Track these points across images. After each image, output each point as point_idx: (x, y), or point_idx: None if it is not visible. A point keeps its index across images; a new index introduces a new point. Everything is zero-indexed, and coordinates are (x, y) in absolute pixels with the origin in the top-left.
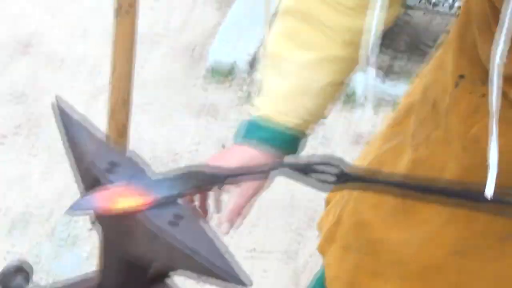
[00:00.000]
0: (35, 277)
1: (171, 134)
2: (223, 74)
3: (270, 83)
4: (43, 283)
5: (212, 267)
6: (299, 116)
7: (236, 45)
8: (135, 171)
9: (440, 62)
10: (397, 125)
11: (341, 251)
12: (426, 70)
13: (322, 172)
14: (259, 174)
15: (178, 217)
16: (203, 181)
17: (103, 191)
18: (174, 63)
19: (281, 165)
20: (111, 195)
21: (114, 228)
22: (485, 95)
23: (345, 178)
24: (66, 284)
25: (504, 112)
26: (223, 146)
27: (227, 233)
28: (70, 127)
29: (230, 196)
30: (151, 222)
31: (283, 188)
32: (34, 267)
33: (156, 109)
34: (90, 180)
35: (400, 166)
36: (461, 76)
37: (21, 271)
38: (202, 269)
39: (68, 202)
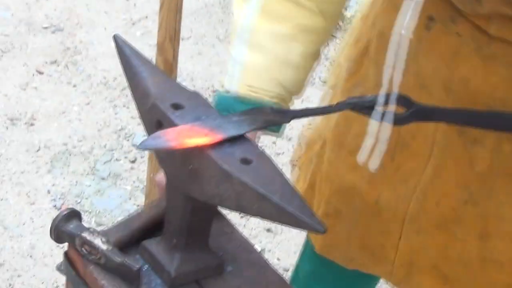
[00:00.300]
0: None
1: (210, 68)
2: None
3: (246, 57)
4: (87, 220)
5: (285, 210)
6: (275, 90)
7: None
8: (199, 111)
9: (394, 5)
10: (353, 76)
11: (327, 219)
12: (370, 13)
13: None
14: (323, 113)
15: (249, 155)
16: (270, 120)
17: (170, 130)
18: None
19: (346, 104)
20: (178, 135)
21: (180, 171)
22: (460, 35)
23: (420, 112)
24: (129, 217)
25: (485, 48)
26: None
27: None
28: (131, 67)
29: None
30: (222, 161)
31: None
32: (77, 204)
33: (193, 42)
34: (154, 121)
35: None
36: (431, 18)
37: (74, 216)
38: (274, 212)
39: (108, 139)
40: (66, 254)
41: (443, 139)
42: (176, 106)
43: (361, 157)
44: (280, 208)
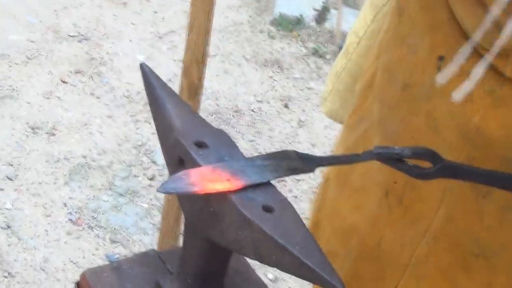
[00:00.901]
0: (94, 231)
1: (235, 87)
2: (288, 27)
3: None
4: (101, 236)
5: (305, 264)
6: None
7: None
8: (223, 151)
9: (400, 39)
10: (357, 112)
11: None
12: (374, 42)
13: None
14: (348, 162)
15: (271, 203)
16: (294, 167)
17: (192, 172)
18: (240, 14)
19: (373, 154)
20: (200, 178)
21: (200, 213)
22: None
23: (446, 169)
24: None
25: (501, 91)
26: (286, 106)
27: None
28: (156, 98)
29: None
30: (243, 207)
31: None
32: (93, 219)
33: (220, 60)
34: (176, 157)
35: None
36: (441, 58)
37: None
38: (293, 265)
39: (127, 155)
40: (77, 284)
41: (455, 186)
42: (200, 144)
43: None
44: (300, 262)
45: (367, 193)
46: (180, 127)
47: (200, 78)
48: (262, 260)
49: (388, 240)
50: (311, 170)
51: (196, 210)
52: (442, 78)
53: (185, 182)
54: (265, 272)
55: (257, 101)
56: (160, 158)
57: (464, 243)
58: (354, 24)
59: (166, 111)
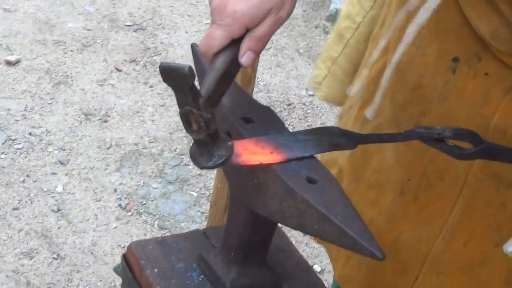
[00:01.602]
0: (143, 217)
1: (287, 81)
2: None
3: None
4: (150, 222)
5: (345, 233)
6: None
7: None
8: (269, 127)
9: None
10: (366, 106)
11: (345, 250)
12: (378, 32)
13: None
14: (390, 140)
15: (314, 175)
16: (335, 143)
17: (236, 144)
18: (295, 9)
19: (414, 134)
20: (244, 150)
21: (245, 184)
22: (488, 73)
23: (487, 150)
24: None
25: None
26: None
27: (251, 63)
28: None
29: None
30: (288, 178)
31: None
32: (142, 206)
33: (273, 54)
34: (224, 131)
35: (389, 151)
36: (455, 59)
37: None
38: (334, 234)
39: (179, 143)
40: (124, 256)
41: (475, 181)
42: (247, 120)
43: None
44: (340, 230)
45: (382, 190)
46: (229, 103)
47: (254, 68)
48: (304, 230)
49: (405, 236)
50: (353, 146)
51: (241, 182)
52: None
53: (222, 158)
54: (312, 264)
55: (309, 95)
56: None
57: (482, 235)
58: (345, 7)
59: None
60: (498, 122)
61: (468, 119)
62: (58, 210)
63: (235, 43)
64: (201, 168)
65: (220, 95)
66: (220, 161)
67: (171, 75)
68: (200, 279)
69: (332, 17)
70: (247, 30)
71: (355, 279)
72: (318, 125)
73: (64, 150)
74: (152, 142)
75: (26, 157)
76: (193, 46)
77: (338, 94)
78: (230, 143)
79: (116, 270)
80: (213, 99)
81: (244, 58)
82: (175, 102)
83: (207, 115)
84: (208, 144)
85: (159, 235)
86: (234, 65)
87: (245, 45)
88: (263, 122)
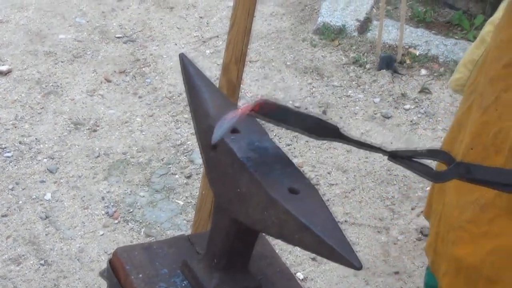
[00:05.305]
0: (129, 225)
1: (274, 92)
2: (331, 36)
3: None
4: (136, 230)
5: (325, 243)
6: None
7: (346, 9)
8: (254, 137)
9: None
10: (471, 85)
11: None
12: (500, 25)
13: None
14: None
15: (297, 185)
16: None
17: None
18: (283, 22)
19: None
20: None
21: (228, 193)
22: None
23: (460, 168)
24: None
25: None
26: (324, 113)
27: None
28: (193, 86)
29: None
30: (270, 188)
31: (380, 161)
32: (129, 214)
33: (260, 66)
34: (209, 141)
35: (470, 127)
36: None
37: None
38: (314, 244)
39: (166, 153)
40: (110, 261)
41: None
42: (232, 130)
43: None
44: (320, 240)
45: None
46: (215, 114)
47: (238, 76)
48: (285, 239)
49: None
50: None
51: (225, 190)
52: None
53: (226, 122)
54: (295, 272)
55: (295, 106)
56: (198, 157)
57: None
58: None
59: (202, 98)
60: None
61: None
62: (46, 217)
63: None
64: None
65: None
66: None
67: None
68: (184, 285)
69: (319, 31)
70: None
71: None
72: (303, 136)
73: (53, 158)
74: (140, 152)
75: (15, 165)
76: (182, 56)
77: None
78: None
79: (102, 274)
80: None
81: None
82: (163, 112)
83: None
84: None
85: None
86: None
87: None
88: (248, 132)
